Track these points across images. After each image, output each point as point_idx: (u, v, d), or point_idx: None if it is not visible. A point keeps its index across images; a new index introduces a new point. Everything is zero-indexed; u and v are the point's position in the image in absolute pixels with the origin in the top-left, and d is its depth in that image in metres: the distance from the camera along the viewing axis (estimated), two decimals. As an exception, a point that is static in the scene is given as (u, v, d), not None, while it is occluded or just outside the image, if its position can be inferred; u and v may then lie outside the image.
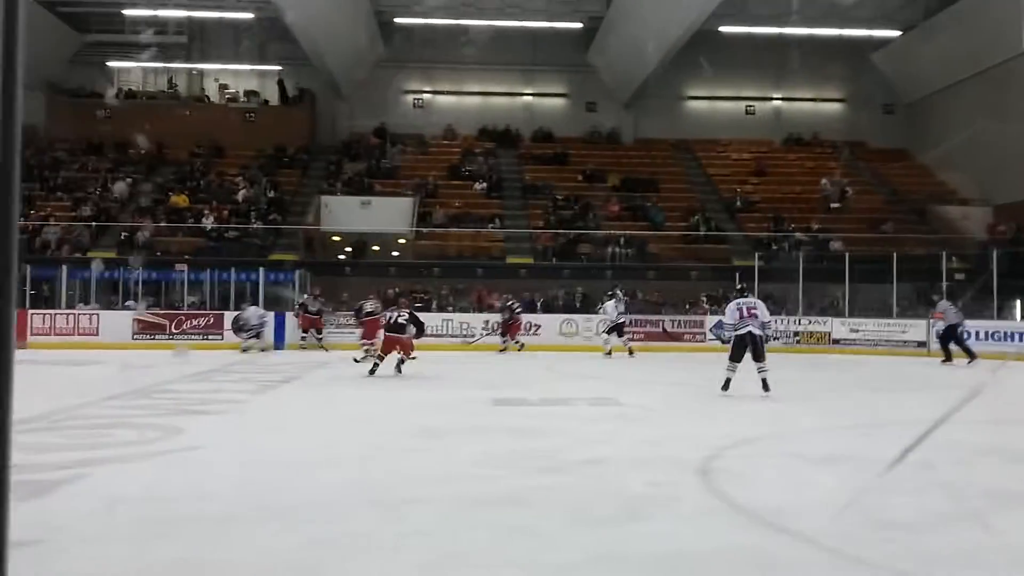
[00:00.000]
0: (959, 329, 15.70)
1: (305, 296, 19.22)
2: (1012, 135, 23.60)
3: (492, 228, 24.19)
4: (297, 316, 18.94)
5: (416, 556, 3.87)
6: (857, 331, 19.58)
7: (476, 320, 19.80)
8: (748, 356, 10.05)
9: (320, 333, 18.81)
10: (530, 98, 31.30)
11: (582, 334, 19.59)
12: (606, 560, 3.85)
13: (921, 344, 18.89)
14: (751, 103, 31.61)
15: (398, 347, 12.56)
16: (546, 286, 22.03)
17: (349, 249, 24.29)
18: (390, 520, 4.50)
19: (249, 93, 29.79)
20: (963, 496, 5.17)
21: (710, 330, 19.98)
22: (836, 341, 19.58)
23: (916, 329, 19.18)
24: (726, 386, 10.07)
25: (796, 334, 19.96)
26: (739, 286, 12.41)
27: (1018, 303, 20.33)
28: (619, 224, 24.47)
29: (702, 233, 24.24)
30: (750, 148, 30.26)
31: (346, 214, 23.94)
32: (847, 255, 21.06)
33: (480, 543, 4.10)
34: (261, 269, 20.11)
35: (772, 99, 31.72)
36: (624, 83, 29.83)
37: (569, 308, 21.16)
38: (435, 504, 4.80)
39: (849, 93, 31.50)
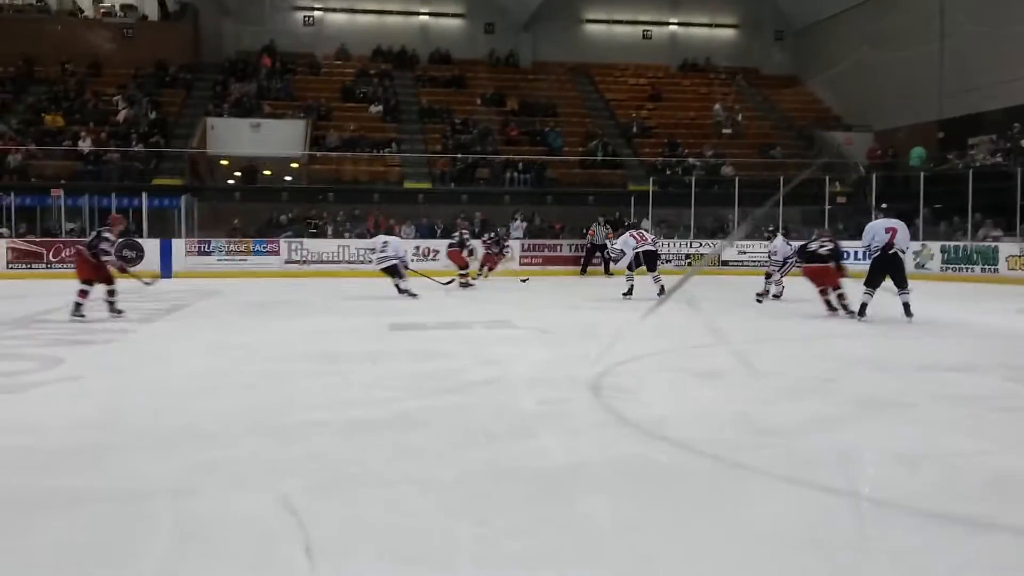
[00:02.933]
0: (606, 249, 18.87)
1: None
2: (893, 63, 24.48)
3: (388, 152, 23.71)
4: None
5: (306, 479, 3.86)
6: (745, 253, 20.28)
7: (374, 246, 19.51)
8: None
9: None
10: (426, 18, 30.48)
11: (479, 259, 19.59)
12: (496, 475, 3.93)
13: (804, 265, 19.71)
14: (648, 27, 31.69)
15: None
16: (444, 212, 21.86)
17: (238, 174, 23.42)
18: (279, 444, 4.46)
19: (126, 7, 27.94)
20: (835, 403, 5.49)
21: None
22: (725, 263, 20.26)
23: (800, 251, 19.98)
24: (863, 312, 9.79)
25: (687, 256, 20.53)
26: (883, 205, 11.58)
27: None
28: (518, 149, 24.38)
29: (599, 158, 24.41)
30: (647, 73, 30.44)
31: (234, 137, 22.96)
32: (737, 179, 21.64)
33: (373, 463, 4.12)
34: (144, 194, 19.21)
35: (668, 24, 31.85)
36: (523, 3, 29.37)
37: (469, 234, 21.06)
38: (327, 427, 4.79)
39: (742, 19, 31.95)
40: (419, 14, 30.39)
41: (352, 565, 2.93)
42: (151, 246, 18.33)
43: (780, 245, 13.12)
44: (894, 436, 4.68)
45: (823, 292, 10.78)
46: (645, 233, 13.46)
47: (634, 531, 3.24)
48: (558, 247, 20.93)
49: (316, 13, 29.67)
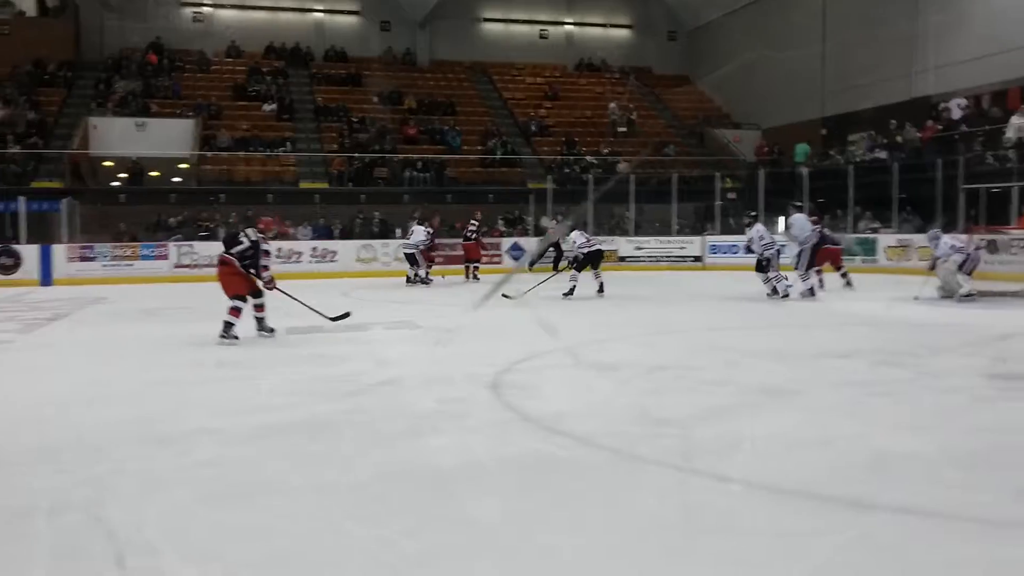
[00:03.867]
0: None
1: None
2: (779, 63, 25.49)
3: (283, 152, 23.19)
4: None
5: (205, 488, 3.75)
6: (641, 248, 20.73)
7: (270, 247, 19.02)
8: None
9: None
10: (321, 15, 29.93)
11: (380, 259, 19.43)
12: (395, 476, 3.90)
13: (697, 259, 20.33)
14: (544, 27, 31.98)
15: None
16: (342, 212, 21.53)
17: (123, 175, 22.45)
18: (175, 454, 4.32)
19: (1, 2, 26.41)
20: (728, 392, 5.66)
21: (506, 252, 20.52)
22: (623, 258, 20.64)
23: (693, 245, 20.60)
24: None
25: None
26: (796, 203, 14.32)
27: (780, 219, 22.20)
28: (416, 148, 24.22)
29: (498, 156, 24.50)
30: (543, 72, 30.76)
31: (118, 137, 22.01)
32: (632, 177, 22.10)
33: (269, 470, 4.03)
34: (21, 198, 18.20)
35: (564, 24, 32.22)
36: (419, 1, 29.23)
37: (367, 234, 20.85)
38: (221, 435, 4.66)
39: (635, 20, 32.61)
40: (313, 11, 29.81)
41: (248, 573, 2.85)
42: (30, 252, 17.39)
43: (763, 231, 12.50)
44: (782, 423, 4.87)
45: (843, 273, 13.75)
46: (589, 235, 13.52)
47: (533, 525, 3.27)
48: (458, 246, 20.89)
49: (205, 9, 28.73)
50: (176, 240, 18.97)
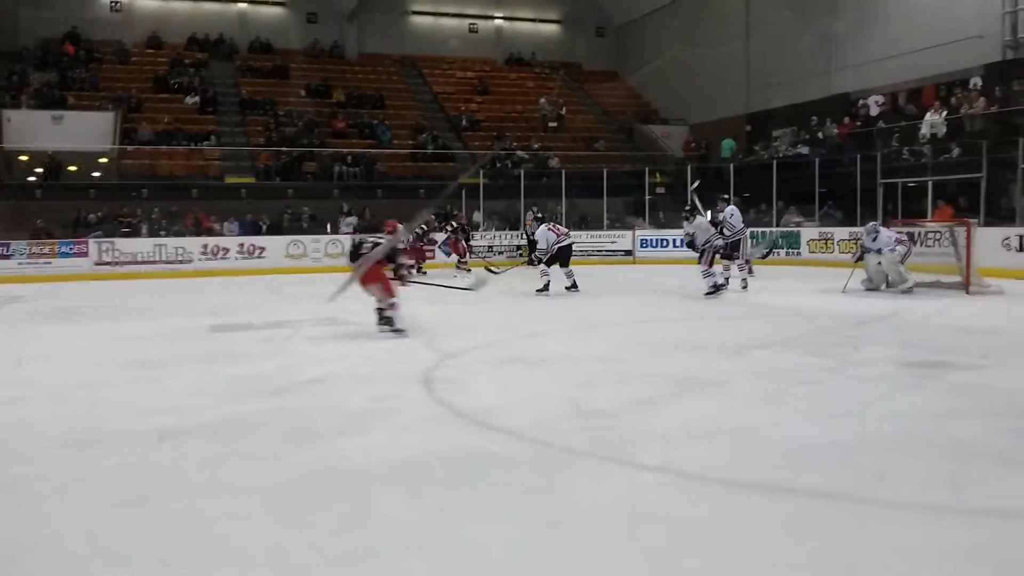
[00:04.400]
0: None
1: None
2: (705, 59, 25.92)
3: (207, 146, 22.64)
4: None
5: (126, 490, 3.64)
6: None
7: (194, 244, 18.58)
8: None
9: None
10: (245, 6, 29.24)
11: (311, 255, 19.14)
12: (323, 475, 3.85)
13: (628, 253, 20.58)
14: (474, 21, 31.90)
15: None
16: (270, 207, 21.12)
17: (40, 170, 21.61)
18: (95, 456, 4.21)
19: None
20: (655, 384, 5.75)
21: (439, 247, 20.38)
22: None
23: (624, 239, 20.84)
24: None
25: (518, 247, 20.88)
26: (725, 196, 14.75)
27: (708, 213, 22.63)
28: (346, 142, 23.91)
29: (430, 151, 24.36)
30: (474, 67, 30.67)
31: (34, 130, 21.14)
32: (563, 172, 22.24)
33: (190, 472, 3.94)
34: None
35: (494, 18, 32.20)
36: (347, -7, 28.88)
37: (296, 229, 20.51)
38: (141, 437, 4.53)
39: (564, 15, 32.76)
40: (237, 1, 29.15)
41: (167, 582, 2.79)
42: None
43: (708, 223, 12.35)
44: (707, 412, 4.96)
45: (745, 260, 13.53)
46: (560, 226, 13.06)
47: (464, 521, 3.27)
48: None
49: (124, -1, 27.82)
50: (96, 237, 18.37)
